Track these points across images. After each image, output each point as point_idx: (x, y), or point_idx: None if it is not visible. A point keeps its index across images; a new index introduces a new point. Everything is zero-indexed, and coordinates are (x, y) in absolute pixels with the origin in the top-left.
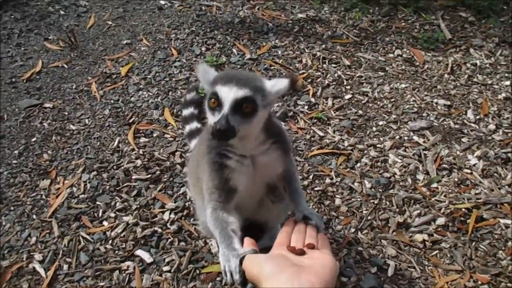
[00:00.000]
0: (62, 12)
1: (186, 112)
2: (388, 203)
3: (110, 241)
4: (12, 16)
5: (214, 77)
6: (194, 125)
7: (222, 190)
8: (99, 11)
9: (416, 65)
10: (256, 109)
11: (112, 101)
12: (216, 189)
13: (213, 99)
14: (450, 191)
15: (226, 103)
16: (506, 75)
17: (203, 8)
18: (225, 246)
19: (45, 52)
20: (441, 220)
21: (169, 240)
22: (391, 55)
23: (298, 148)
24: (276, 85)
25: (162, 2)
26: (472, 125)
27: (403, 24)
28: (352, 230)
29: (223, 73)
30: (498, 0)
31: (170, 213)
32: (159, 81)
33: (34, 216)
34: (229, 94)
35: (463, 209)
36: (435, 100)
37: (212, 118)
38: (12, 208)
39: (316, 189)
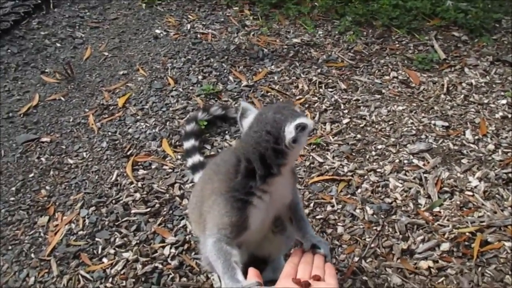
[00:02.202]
0: (58, 45)
1: (187, 144)
2: (391, 229)
3: (110, 279)
4: (9, 50)
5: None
6: (197, 158)
7: (235, 227)
8: (95, 42)
9: (412, 87)
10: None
11: (109, 133)
12: (230, 226)
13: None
14: (453, 214)
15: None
16: (502, 93)
17: (199, 36)
18: (228, 277)
19: (42, 86)
20: (445, 246)
21: (170, 276)
22: (386, 77)
23: (298, 175)
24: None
25: (158, 31)
26: (471, 145)
27: (397, 45)
28: (356, 259)
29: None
30: (489, 18)
31: (170, 248)
32: (157, 111)
33: (33, 255)
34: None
35: (467, 233)
36: (433, 122)
37: None
38: (9, 248)
39: (317, 217)
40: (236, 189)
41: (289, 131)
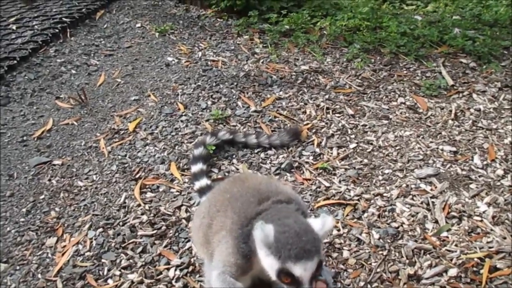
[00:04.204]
0: (73, 72)
1: (195, 168)
2: (397, 254)
3: None
4: (26, 77)
5: (279, 248)
6: (204, 181)
7: (240, 268)
8: (109, 69)
9: (420, 112)
10: (322, 265)
11: (119, 157)
12: (235, 266)
13: (285, 277)
14: (461, 240)
15: (305, 281)
16: (511, 119)
17: (209, 63)
18: None
19: (56, 110)
20: (453, 271)
21: None
22: (394, 103)
23: (305, 200)
24: (324, 227)
25: (170, 59)
26: (480, 171)
27: (405, 72)
28: (362, 283)
29: (287, 242)
30: (497, 45)
31: (175, 270)
32: (166, 136)
33: (39, 275)
34: (305, 273)
35: (475, 259)
36: (440, 147)
37: None
38: (17, 268)
39: (323, 241)
40: (246, 240)
41: None
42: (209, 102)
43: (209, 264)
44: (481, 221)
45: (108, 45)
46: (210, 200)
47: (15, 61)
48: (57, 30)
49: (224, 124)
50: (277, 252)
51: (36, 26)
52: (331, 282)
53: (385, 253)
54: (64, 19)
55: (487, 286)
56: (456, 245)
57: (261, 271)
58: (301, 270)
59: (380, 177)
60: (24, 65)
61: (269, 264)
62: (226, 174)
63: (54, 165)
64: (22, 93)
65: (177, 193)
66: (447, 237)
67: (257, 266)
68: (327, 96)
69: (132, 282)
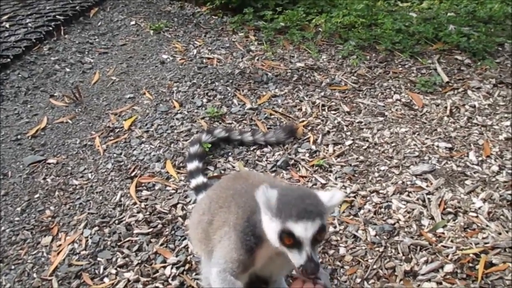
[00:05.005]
0: (68, 70)
1: (191, 166)
2: (393, 250)
3: None
4: (20, 75)
5: (280, 208)
6: (200, 179)
7: (242, 264)
8: (104, 67)
9: (415, 109)
10: (325, 231)
11: (115, 155)
12: (238, 262)
13: (287, 237)
14: (456, 236)
15: (306, 242)
16: (506, 115)
17: (204, 61)
18: None
19: (50, 109)
20: (449, 267)
21: None
22: (389, 100)
23: None
24: (332, 200)
25: (164, 57)
26: (475, 167)
27: (400, 69)
28: (358, 280)
29: (288, 203)
30: (492, 42)
31: (171, 268)
32: (161, 134)
33: (35, 275)
34: (306, 232)
35: (471, 255)
36: (436, 143)
37: (291, 256)
38: (12, 267)
39: None
40: (251, 234)
41: None
42: (205, 100)
43: (207, 262)
44: (477, 217)
45: (102, 43)
46: (210, 197)
47: (9, 59)
48: (50, 28)
49: (220, 121)
50: (278, 212)
51: (29, 24)
52: (329, 285)
53: (381, 249)
54: (57, 16)
55: (483, 281)
56: (452, 241)
57: (261, 267)
58: (302, 229)
59: (376, 174)
60: (18, 63)
61: (272, 228)
62: (222, 172)
63: (49, 163)
64: (16, 92)
65: (173, 191)
66: (443, 233)
67: (259, 261)
68: (322, 93)
69: (128, 280)
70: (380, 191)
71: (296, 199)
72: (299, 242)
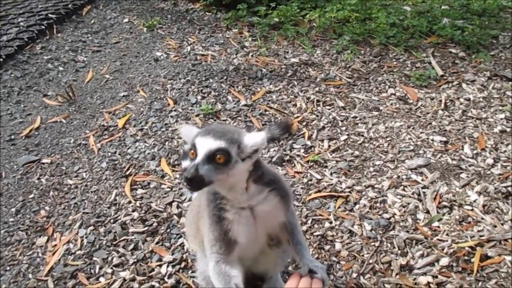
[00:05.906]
0: (61, 68)
1: (185, 163)
2: (389, 245)
3: None
4: (12, 75)
5: (197, 132)
6: None
7: (222, 242)
8: (97, 66)
9: (410, 103)
10: (230, 160)
11: (109, 154)
12: (217, 241)
13: (192, 150)
14: (452, 229)
15: (200, 153)
16: (500, 108)
17: (198, 57)
18: None
19: (44, 108)
20: (444, 261)
21: None
22: (384, 94)
23: (296, 192)
24: (253, 138)
25: (158, 54)
26: (470, 160)
27: (395, 63)
28: (354, 275)
29: (205, 127)
30: (486, 35)
31: (167, 266)
32: (156, 132)
33: (30, 276)
34: (203, 145)
35: (466, 248)
36: (431, 137)
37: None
38: (8, 268)
39: (315, 234)
40: (209, 203)
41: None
42: (199, 97)
43: (202, 257)
44: (472, 210)
45: (95, 41)
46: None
47: (1, 59)
48: (43, 27)
49: (215, 118)
50: (194, 135)
51: (21, 23)
52: (327, 280)
53: (377, 244)
54: (50, 15)
55: (478, 274)
56: (447, 235)
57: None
58: (200, 142)
59: (371, 169)
60: (10, 62)
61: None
62: None
63: (43, 163)
64: (8, 91)
65: (168, 189)
66: (439, 226)
67: (239, 233)
68: (317, 89)
69: (124, 279)
70: (376, 186)
71: (216, 126)
72: (197, 154)
